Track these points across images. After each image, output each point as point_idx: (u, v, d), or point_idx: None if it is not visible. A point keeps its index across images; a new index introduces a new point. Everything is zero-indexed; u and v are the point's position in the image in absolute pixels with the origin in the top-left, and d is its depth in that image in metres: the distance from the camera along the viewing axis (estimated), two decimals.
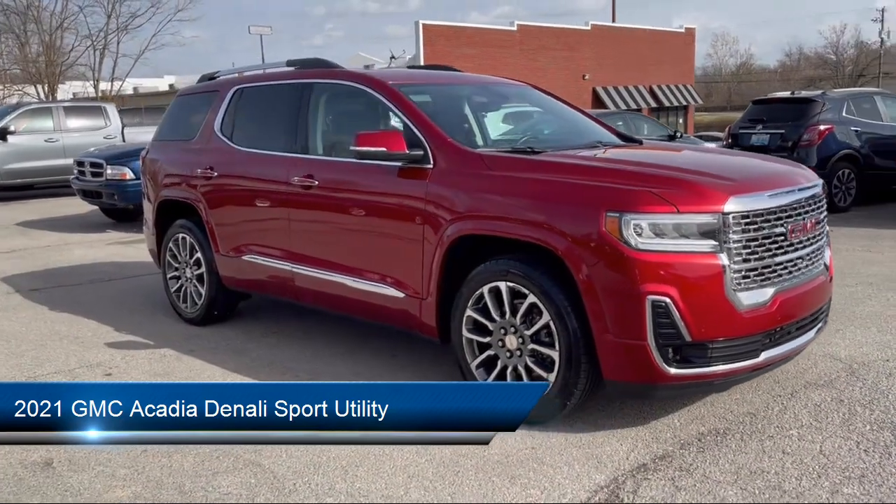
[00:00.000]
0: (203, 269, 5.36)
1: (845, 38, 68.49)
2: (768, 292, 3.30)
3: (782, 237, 3.36)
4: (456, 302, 3.73)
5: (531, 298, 3.40)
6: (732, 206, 3.17)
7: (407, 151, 3.89)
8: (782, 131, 10.84)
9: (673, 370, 3.15)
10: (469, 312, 3.67)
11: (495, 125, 4.75)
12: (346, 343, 4.97)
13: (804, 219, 3.49)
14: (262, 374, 4.44)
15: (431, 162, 3.87)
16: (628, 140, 4.66)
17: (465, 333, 3.71)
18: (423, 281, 3.88)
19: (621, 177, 3.34)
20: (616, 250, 3.12)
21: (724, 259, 3.14)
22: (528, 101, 4.97)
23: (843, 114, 10.95)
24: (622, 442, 3.36)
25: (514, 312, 3.51)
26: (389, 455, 3.31)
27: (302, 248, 4.57)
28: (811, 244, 3.58)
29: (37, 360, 4.90)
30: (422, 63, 25.22)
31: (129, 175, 10.29)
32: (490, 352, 3.64)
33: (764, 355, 3.32)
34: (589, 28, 35.92)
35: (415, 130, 3.97)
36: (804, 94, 11.70)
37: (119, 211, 11.41)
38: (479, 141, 4.33)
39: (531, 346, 3.46)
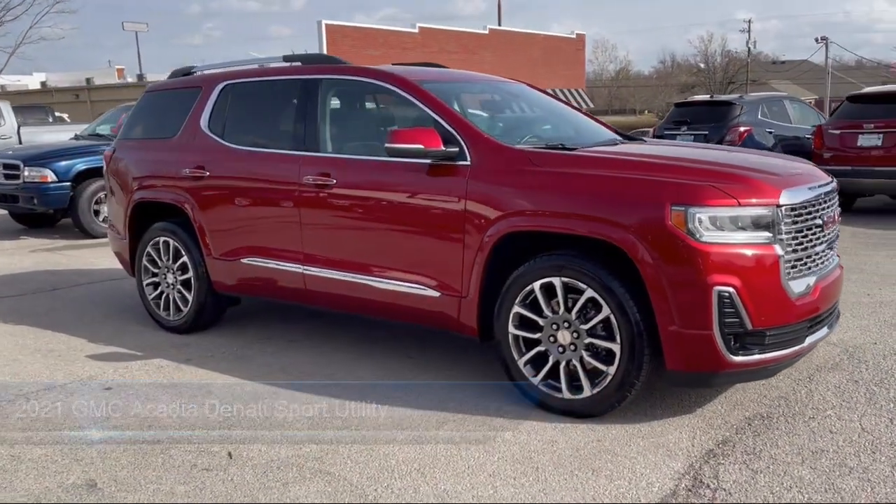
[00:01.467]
0: (190, 273, 5.10)
1: (712, 47, 72.48)
2: (811, 280, 3.48)
3: (819, 228, 3.56)
4: (501, 299, 3.72)
5: (589, 293, 3.44)
6: (785, 198, 3.33)
7: (443, 148, 3.84)
8: (706, 132, 11.39)
9: (736, 358, 3.27)
10: (517, 309, 3.67)
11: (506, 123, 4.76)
12: (351, 346, 4.86)
13: (831, 211, 3.71)
14: (279, 380, 4.27)
15: (468, 159, 3.84)
16: (631, 138, 4.79)
17: (512, 330, 3.71)
18: (462, 279, 3.84)
19: (680, 172, 3.44)
20: (683, 243, 3.20)
21: (778, 249, 3.29)
22: (531, 100, 5.01)
23: (759, 116, 11.64)
24: (681, 430, 3.45)
25: (567, 307, 3.53)
26: (457, 455, 3.26)
27: (316, 250, 4.43)
28: (832, 236, 3.80)
29: (16, 375, 4.53)
30: None
31: (51, 177, 9.67)
32: (540, 348, 3.65)
33: (807, 341, 3.50)
34: (487, 32, 36.56)
35: (448, 127, 3.93)
36: (723, 97, 12.34)
37: (33, 216, 10.67)
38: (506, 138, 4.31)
39: (588, 340, 3.50)
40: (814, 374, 4.11)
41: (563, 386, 3.58)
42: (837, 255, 3.96)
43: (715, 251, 3.20)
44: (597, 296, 3.42)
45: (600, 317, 3.44)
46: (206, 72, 5.43)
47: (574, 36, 42.70)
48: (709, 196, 3.23)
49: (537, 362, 3.69)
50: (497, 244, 3.70)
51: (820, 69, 58.36)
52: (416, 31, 32.78)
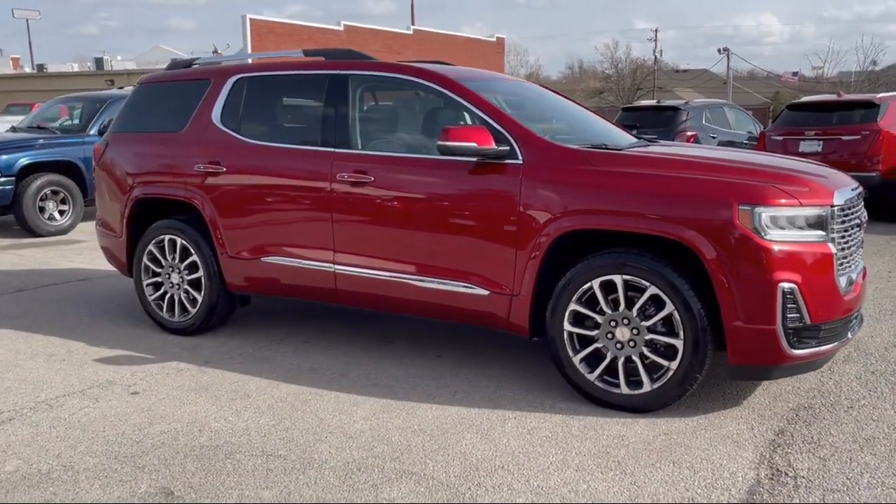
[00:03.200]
0: (200, 272, 4.92)
1: (618, 53, 74.81)
2: (853, 277, 3.68)
3: (858, 227, 3.77)
4: (556, 297, 3.77)
5: (652, 290, 3.53)
6: (837, 199, 3.51)
7: (495, 147, 3.86)
8: (654, 136, 11.73)
9: (795, 351, 3.42)
10: (573, 306, 3.73)
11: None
12: (372, 346, 4.80)
13: (863, 213, 3.93)
14: (314, 381, 4.18)
15: (520, 157, 3.87)
16: (649, 140, 4.92)
17: (567, 328, 3.76)
18: (514, 278, 3.87)
19: (741, 173, 3.57)
20: (750, 241, 3.34)
21: (832, 247, 3.47)
22: (548, 101, 5.07)
23: (703, 122, 12.15)
24: (737, 422, 3.58)
25: (628, 304, 3.61)
26: (534, 451, 3.29)
27: (349, 248, 4.35)
28: (862, 238, 4.02)
29: (24, 381, 4.26)
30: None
31: None
32: (597, 345, 3.71)
33: (849, 334, 3.70)
34: (411, 32, 36.65)
35: (497, 126, 3.95)
36: (670, 103, 12.80)
37: None
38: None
39: (648, 336, 3.58)
40: (832, 366, 4.34)
41: (622, 382, 3.65)
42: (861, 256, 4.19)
43: (779, 249, 3.34)
44: (660, 293, 3.51)
45: (663, 313, 3.53)
46: (211, 65, 5.24)
47: (494, 39, 43.33)
48: (774, 196, 3.37)
49: (591, 359, 3.75)
50: (553, 243, 3.74)
51: (718, 78, 61.31)
52: (342, 29, 32.48)
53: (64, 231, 9.53)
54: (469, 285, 4.01)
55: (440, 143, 3.85)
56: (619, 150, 3.95)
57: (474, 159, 3.93)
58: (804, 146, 10.49)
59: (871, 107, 10.29)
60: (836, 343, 3.59)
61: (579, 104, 5.27)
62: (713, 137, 12.05)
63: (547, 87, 5.32)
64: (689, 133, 11.64)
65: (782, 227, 3.39)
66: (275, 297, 4.84)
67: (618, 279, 3.61)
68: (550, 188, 3.76)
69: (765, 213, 3.35)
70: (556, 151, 3.86)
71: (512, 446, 3.35)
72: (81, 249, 8.46)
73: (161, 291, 5.13)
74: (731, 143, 12.47)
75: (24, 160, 9.31)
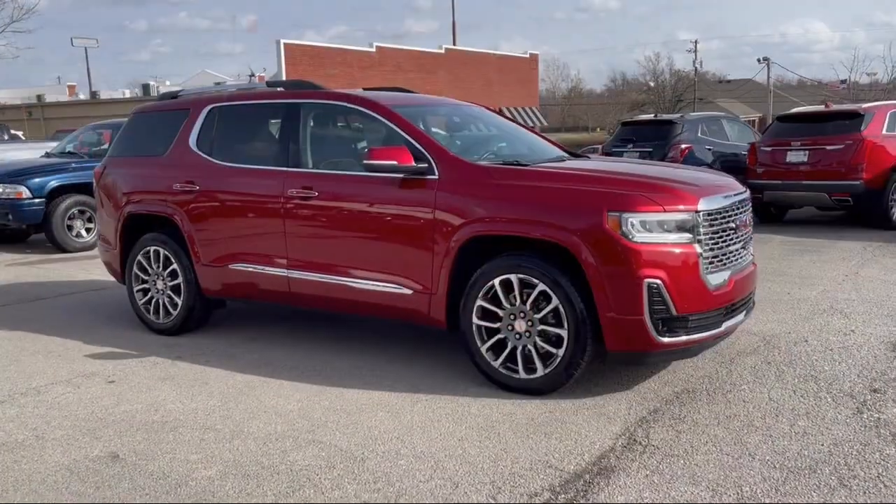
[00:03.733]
0: (180, 279, 5.57)
1: (660, 66, 74.68)
2: (726, 275, 4.14)
3: (733, 230, 4.23)
4: (466, 294, 4.30)
5: (541, 287, 4.04)
6: (703, 205, 3.98)
7: (414, 164, 4.43)
8: (650, 150, 12.20)
9: (664, 339, 3.90)
10: (480, 302, 4.26)
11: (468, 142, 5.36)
12: (331, 344, 5.38)
13: (744, 216, 4.38)
14: (267, 373, 4.77)
15: (436, 173, 4.43)
16: (577, 155, 5.43)
17: (476, 321, 4.29)
18: (432, 278, 4.42)
19: (615, 184, 4.07)
20: (618, 243, 3.83)
21: (698, 248, 3.94)
22: (488, 121, 5.63)
23: (699, 134, 12.50)
24: (619, 403, 4.06)
25: (523, 300, 4.13)
26: (431, 426, 3.82)
27: (299, 255, 4.96)
28: (746, 238, 4.46)
29: (22, 372, 4.95)
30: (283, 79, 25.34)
31: (25, 194, 10.00)
32: (500, 336, 4.23)
33: (724, 325, 4.15)
34: (443, 51, 37.38)
35: (418, 146, 4.52)
36: (666, 116, 13.19)
37: (2, 233, 10.96)
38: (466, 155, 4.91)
39: (540, 327, 4.10)
40: (735, 357, 4.77)
41: (520, 368, 4.17)
42: (752, 254, 4.63)
43: (645, 249, 3.83)
44: (548, 289, 4.02)
45: (550, 307, 4.04)
46: (192, 95, 5.94)
47: (527, 56, 43.83)
48: (639, 203, 3.86)
49: (497, 349, 4.27)
50: (462, 247, 4.28)
51: (763, 88, 60.75)
52: (374, 50, 33.45)
53: (90, 247, 10.36)
54: (397, 286, 4.57)
55: (365, 161, 4.45)
56: (525, 165, 4.48)
57: (400, 175, 4.51)
58: (791, 156, 10.80)
59: (856, 117, 10.56)
60: (708, 332, 4.05)
61: (520, 123, 5.80)
62: (709, 150, 12.38)
63: (490, 108, 5.85)
64: (682, 146, 12.00)
65: (650, 231, 3.87)
66: (242, 300, 5.47)
67: (514, 278, 4.13)
68: (459, 200, 4.31)
69: (631, 219, 3.84)
70: (467, 167, 4.41)
71: (413, 422, 3.89)
72: (101, 264, 9.23)
73: (148, 296, 5.80)
74: (734, 156, 12.78)
75: (53, 182, 10.20)
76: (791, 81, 73.61)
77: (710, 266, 4.03)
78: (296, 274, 4.99)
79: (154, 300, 5.77)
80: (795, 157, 10.78)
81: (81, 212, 10.34)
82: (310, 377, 4.66)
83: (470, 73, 37.53)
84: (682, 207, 3.93)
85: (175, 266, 5.59)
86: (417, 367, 4.77)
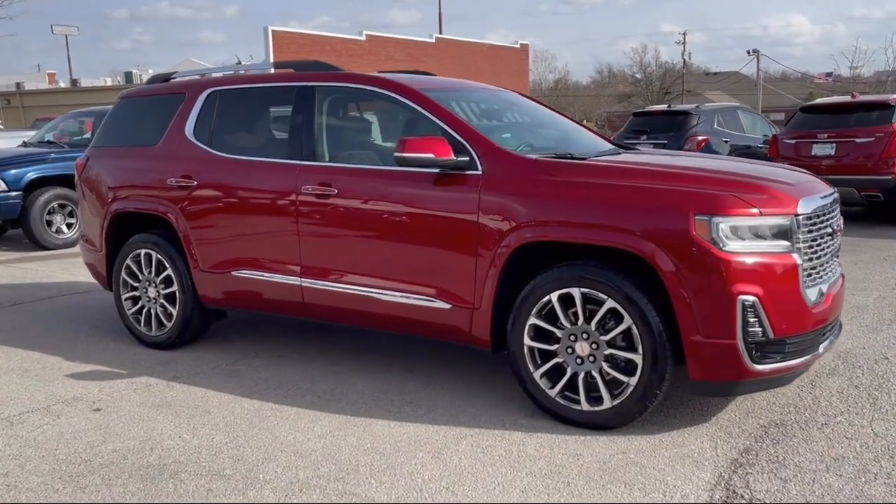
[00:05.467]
0: (175, 287, 4.90)
1: (646, 58, 74.06)
2: (823, 289, 3.53)
3: (830, 237, 3.62)
4: (515, 310, 3.67)
5: (610, 304, 3.41)
6: (802, 207, 3.37)
7: (454, 158, 3.78)
8: (664, 142, 11.60)
9: (758, 367, 3.28)
10: (532, 320, 3.63)
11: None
12: (345, 360, 4.74)
13: (838, 220, 3.78)
14: (279, 396, 4.13)
15: (479, 168, 3.79)
16: (626, 147, 4.80)
17: (527, 342, 3.66)
18: (475, 291, 3.78)
19: (699, 182, 3.44)
20: (707, 253, 3.21)
21: (797, 258, 3.32)
22: (524, 109, 4.98)
23: (715, 126, 11.92)
24: (701, 440, 3.45)
25: (587, 318, 3.51)
26: (484, 472, 3.19)
27: (315, 262, 4.30)
28: (837, 246, 3.86)
29: None
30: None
31: (1, 186, 9.22)
32: (557, 360, 3.61)
33: (821, 348, 3.55)
34: (433, 41, 36.64)
35: (457, 137, 3.87)
36: (681, 107, 12.60)
37: None
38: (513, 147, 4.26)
39: (608, 351, 3.47)
40: (815, 380, 4.18)
41: (582, 398, 3.54)
42: (839, 265, 4.03)
43: (738, 260, 3.21)
44: (618, 306, 3.40)
45: (621, 328, 3.42)
46: (187, 78, 5.25)
47: (518, 46, 43.17)
48: (732, 206, 3.24)
49: (553, 374, 3.65)
50: (511, 255, 3.65)
51: (749, 80, 60.37)
52: (363, 38, 32.63)
53: (71, 244, 9.63)
54: (431, 299, 3.93)
55: (397, 154, 3.79)
56: (583, 159, 3.85)
57: (436, 170, 3.86)
58: (817, 149, 10.24)
59: (886, 108, 10.01)
60: (804, 358, 3.44)
61: (559, 112, 5.16)
62: (725, 142, 11.82)
63: (526, 96, 5.23)
64: (699, 138, 11.42)
65: (742, 238, 3.25)
66: (247, 311, 4.81)
67: (576, 292, 3.50)
68: (509, 199, 3.67)
69: (723, 224, 3.22)
70: (516, 162, 3.77)
71: (462, 466, 3.25)
72: (84, 263, 8.52)
73: (139, 306, 5.12)
74: (747, 147, 12.22)
75: (31, 174, 9.44)
76: (775, 74, 73.32)
77: (807, 279, 3.42)
78: (311, 283, 4.33)
79: (146, 310, 5.09)
80: (821, 149, 10.21)
81: (62, 206, 9.60)
82: (329, 403, 4.02)
83: (460, 63, 36.77)
84: (780, 210, 3.32)
85: (169, 272, 4.91)
86: (453, 391, 4.13)
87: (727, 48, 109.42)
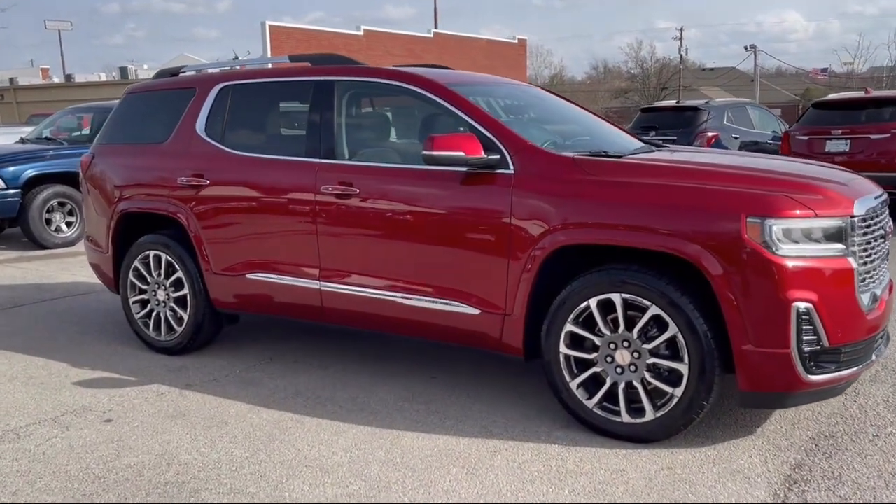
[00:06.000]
0: (186, 290, 4.70)
1: (642, 53, 73.93)
2: (877, 294, 3.35)
3: (882, 239, 3.44)
4: (551, 317, 3.49)
5: (653, 310, 3.23)
6: (858, 208, 3.19)
7: (483, 156, 3.59)
8: (674, 138, 11.41)
9: (812, 377, 3.11)
10: (569, 327, 3.44)
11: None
12: (364, 366, 4.55)
13: (888, 222, 3.60)
14: (298, 406, 3.94)
15: (511, 167, 3.60)
16: (658, 145, 4.62)
17: (564, 350, 3.48)
18: (506, 296, 3.59)
19: (748, 181, 3.26)
20: (760, 256, 3.03)
21: (852, 262, 3.14)
22: (550, 105, 4.79)
23: (725, 122, 11.76)
24: (749, 454, 3.27)
25: (628, 325, 3.32)
26: (524, 490, 3.01)
27: (334, 264, 4.11)
28: (887, 250, 3.68)
29: None
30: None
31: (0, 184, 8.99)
32: (595, 369, 3.42)
33: (874, 355, 3.38)
34: (431, 35, 36.42)
35: (487, 133, 3.68)
36: (690, 103, 12.42)
37: None
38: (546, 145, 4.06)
39: (651, 360, 3.29)
40: (857, 387, 4.00)
41: (622, 409, 3.36)
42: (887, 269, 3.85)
43: (792, 265, 3.03)
44: (662, 313, 3.21)
45: (666, 335, 3.23)
46: (197, 72, 5.05)
47: (516, 41, 43.00)
48: (786, 207, 3.06)
49: (591, 384, 3.46)
50: (546, 259, 3.46)
51: (746, 76, 60.21)
52: (361, 33, 32.39)
53: (71, 243, 9.41)
54: (459, 304, 3.74)
55: (425, 152, 3.59)
56: (619, 157, 3.66)
57: (464, 169, 3.67)
58: (830, 146, 10.07)
59: None
60: (858, 367, 3.27)
61: (585, 108, 4.97)
62: (735, 138, 11.65)
63: (550, 91, 5.04)
64: (709, 134, 11.25)
65: (796, 241, 3.07)
66: (261, 315, 4.61)
67: (616, 298, 3.32)
68: (544, 199, 3.48)
69: (776, 226, 3.04)
70: (550, 160, 3.58)
71: (500, 484, 3.07)
72: (85, 262, 8.18)
73: (147, 309, 4.92)
74: (754, 144, 12.06)
75: (30, 171, 9.21)
76: (770, 70, 73.20)
77: (863, 283, 3.24)
78: (330, 286, 4.14)
79: (154, 314, 4.89)
80: (835, 146, 10.05)
81: (61, 204, 9.37)
82: (352, 413, 3.83)
83: (458, 58, 36.47)
84: (836, 212, 3.13)
85: (180, 274, 4.71)
86: (481, 400, 3.95)
87: (721, 44, 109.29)
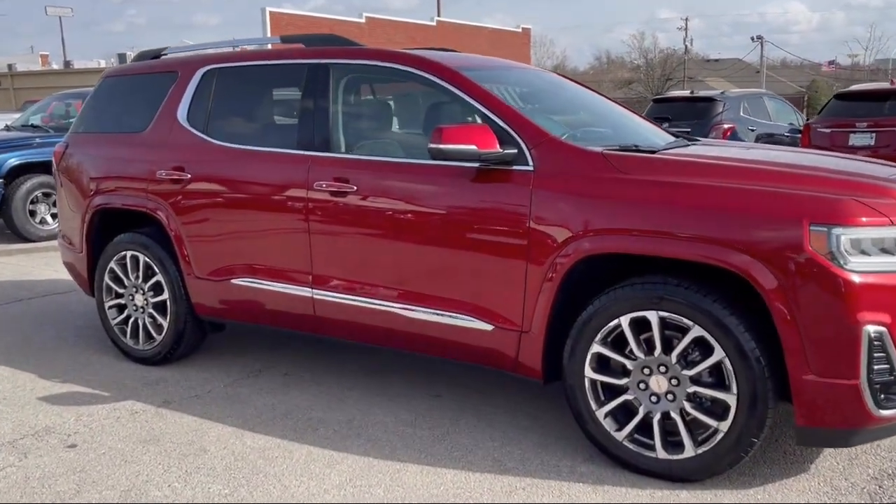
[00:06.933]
0: (166, 295, 4.26)
1: (646, 44, 73.03)
2: None
3: None
4: (575, 336, 3.04)
5: (696, 331, 2.78)
6: None
7: (499, 150, 3.14)
8: (688, 129, 10.90)
9: (882, 412, 2.66)
10: (596, 348, 3.00)
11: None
12: (360, 381, 4.11)
13: None
14: (287, 429, 3.50)
15: (530, 163, 3.14)
16: (693, 139, 4.16)
17: (589, 374, 3.03)
18: (523, 310, 3.15)
19: (813, 182, 2.80)
20: (825, 271, 2.58)
21: None
22: (571, 93, 4.32)
23: (741, 113, 11.27)
24: (803, 496, 2.84)
25: (666, 347, 2.88)
26: None
27: (329, 270, 3.67)
28: None
29: None
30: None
31: None
32: (626, 396, 2.98)
33: None
34: (434, 24, 35.90)
35: (502, 124, 3.23)
36: (705, 93, 11.94)
37: None
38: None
39: (692, 388, 2.85)
40: None
41: (657, 444, 2.92)
42: None
43: (863, 281, 2.58)
44: (707, 334, 2.77)
45: (710, 361, 2.79)
46: (180, 55, 4.58)
47: (520, 30, 42.49)
48: (857, 213, 2.61)
49: (621, 413, 3.02)
50: (571, 269, 3.01)
51: (750, 67, 59.54)
52: (363, 21, 31.82)
53: (56, 236, 8.94)
54: (469, 317, 3.30)
55: (432, 146, 3.14)
56: (653, 152, 3.21)
57: (475, 164, 3.22)
58: (855, 139, 9.60)
59: None
60: None
61: (606, 96, 4.51)
62: (752, 130, 11.17)
63: (568, 77, 4.58)
64: (725, 126, 10.77)
65: (867, 253, 2.62)
66: (248, 324, 4.17)
67: (653, 316, 2.87)
68: (569, 200, 3.03)
69: (844, 236, 2.58)
70: (576, 155, 3.13)
71: None
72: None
73: (124, 315, 4.48)
74: (770, 136, 11.58)
75: (13, 160, 8.77)
76: (774, 61, 72.45)
77: None
78: (324, 295, 3.70)
79: (132, 320, 4.45)
80: (860, 139, 9.58)
81: (46, 195, 8.92)
82: (346, 440, 3.40)
83: (462, 46, 35.70)
84: None
85: (159, 278, 4.27)
86: (492, 424, 3.51)
87: (724, 35, 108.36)
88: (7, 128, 10.26)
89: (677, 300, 2.81)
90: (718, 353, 2.76)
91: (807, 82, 57.89)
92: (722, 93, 11.74)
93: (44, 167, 8.87)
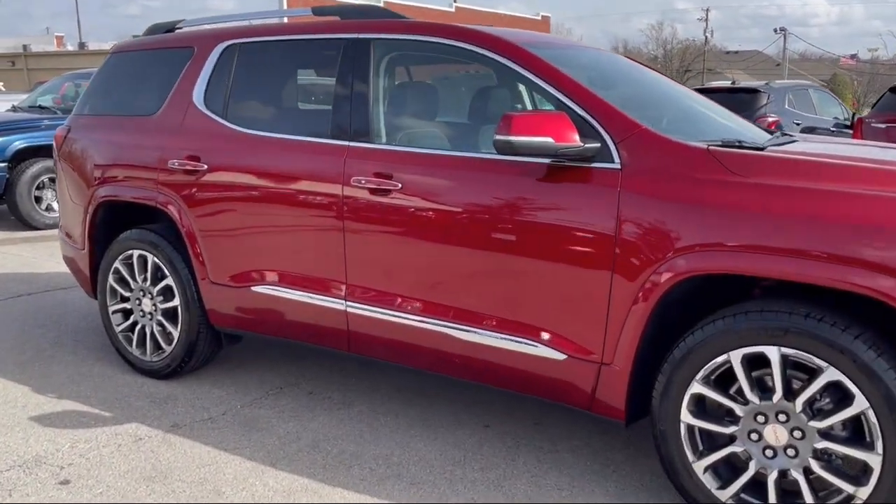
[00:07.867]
0: (177, 301, 3.75)
1: (664, 35, 71.98)
2: None
3: None
4: (670, 372, 2.50)
5: (831, 373, 2.24)
6: None
7: (579, 143, 2.60)
8: None
9: None
10: (697, 388, 2.46)
11: None
12: (400, 405, 3.59)
13: None
14: (315, 466, 2.99)
15: (616, 160, 2.60)
16: (785, 133, 3.61)
17: (686, 418, 2.50)
18: (605, 338, 2.61)
19: None
20: None
21: None
22: (647, 79, 3.75)
23: (786, 106, 10.66)
24: None
25: (788, 392, 2.34)
26: None
27: (366, 280, 3.14)
28: None
29: None
30: None
31: None
32: (734, 448, 2.44)
33: None
34: (453, 10, 35.36)
35: (583, 113, 2.69)
36: (747, 85, 11.32)
37: None
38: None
39: (821, 444, 2.30)
40: None
41: None
42: None
43: None
44: (845, 378, 2.22)
45: (850, 412, 2.24)
46: (197, 29, 4.06)
47: (539, 18, 41.81)
48: None
49: (725, 468, 2.49)
50: (670, 290, 2.47)
51: (771, 60, 58.58)
52: (382, 5, 31.23)
53: None
54: (535, 343, 2.76)
55: (499, 137, 2.60)
56: (761, 149, 2.66)
57: (546, 161, 2.68)
58: None
59: None
60: None
61: (685, 85, 3.95)
62: (797, 124, 10.52)
63: (637, 61, 4.02)
64: (770, 119, 10.12)
65: None
66: (270, 337, 3.65)
67: (773, 353, 2.32)
68: (666, 207, 2.49)
69: None
70: (674, 151, 2.58)
71: None
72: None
73: (130, 321, 3.98)
74: (811, 131, 10.95)
75: (19, 143, 8.28)
76: (793, 54, 71.34)
77: None
78: (360, 308, 3.17)
79: (139, 327, 3.94)
80: None
81: (53, 180, 8.40)
82: (385, 481, 2.88)
83: None
84: None
85: (170, 281, 3.76)
86: (557, 466, 2.98)
87: (742, 27, 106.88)
88: (14, 108, 9.77)
89: (807, 334, 2.26)
90: (860, 404, 2.22)
91: (827, 76, 56.89)
92: (766, 84, 11.10)
93: (49, 151, 8.38)
